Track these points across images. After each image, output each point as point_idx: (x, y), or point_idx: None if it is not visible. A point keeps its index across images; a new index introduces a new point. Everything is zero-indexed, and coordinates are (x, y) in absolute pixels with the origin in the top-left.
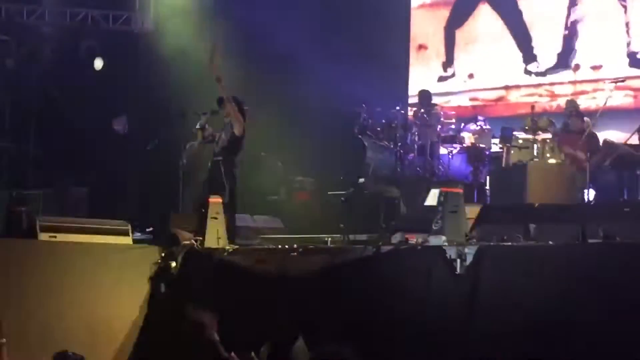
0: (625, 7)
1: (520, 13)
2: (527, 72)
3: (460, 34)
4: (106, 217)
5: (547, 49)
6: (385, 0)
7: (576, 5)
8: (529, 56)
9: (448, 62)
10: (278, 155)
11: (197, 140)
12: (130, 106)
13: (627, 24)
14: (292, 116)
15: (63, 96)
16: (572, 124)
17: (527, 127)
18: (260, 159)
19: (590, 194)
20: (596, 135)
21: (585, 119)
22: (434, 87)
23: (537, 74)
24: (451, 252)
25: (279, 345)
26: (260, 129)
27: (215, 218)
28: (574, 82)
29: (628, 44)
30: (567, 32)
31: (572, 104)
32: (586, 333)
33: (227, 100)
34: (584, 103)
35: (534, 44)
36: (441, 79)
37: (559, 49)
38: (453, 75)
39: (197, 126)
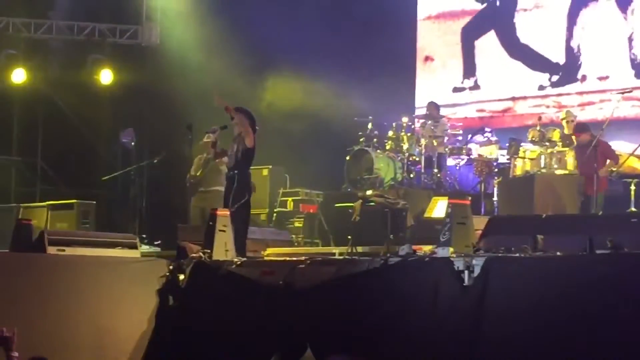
0: (625, 18)
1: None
2: (541, 88)
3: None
4: (114, 230)
5: (552, 61)
6: (392, 12)
7: (577, 17)
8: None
9: (468, 73)
10: (284, 167)
11: (208, 155)
12: (137, 119)
13: (629, 36)
14: (298, 128)
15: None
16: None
17: (534, 139)
18: (267, 171)
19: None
20: (605, 143)
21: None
22: (441, 98)
23: (541, 87)
24: (459, 264)
25: (287, 357)
26: (267, 141)
27: (223, 231)
28: (580, 93)
29: (632, 56)
30: (569, 44)
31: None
32: (594, 344)
33: (237, 111)
34: (591, 114)
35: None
36: (456, 89)
37: (563, 60)
38: (475, 86)
39: (206, 138)
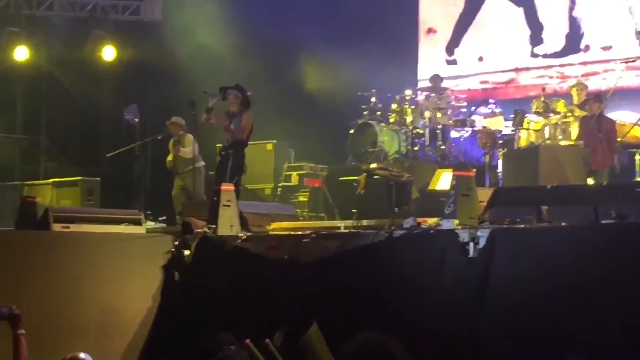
0: None
1: None
2: (534, 55)
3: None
4: (118, 207)
5: (555, 31)
6: None
7: None
8: (537, 39)
9: (453, 45)
10: (289, 141)
11: (175, 137)
12: (140, 95)
13: (630, 8)
14: (302, 102)
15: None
16: (592, 108)
17: (538, 110)
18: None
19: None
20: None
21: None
22: (443, 70)
23: (545, 55)
24: (464, 236)
25: (293, 331)
26: (271, 116)
27: (228, 206)
28: (584, 63)
29: (635, 26)
30: (572, 13)
31: (580, 85)
32: (600, 314)
33: (234, 89)
34: (594, 84)
35: (542, 26)
36: (449, 62)
37: (566, 30)
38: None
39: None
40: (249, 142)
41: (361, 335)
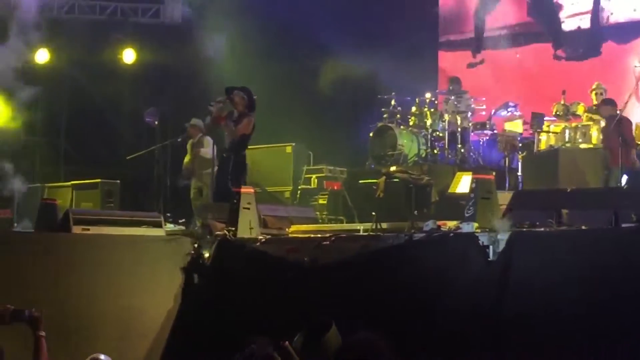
0: None
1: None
2: (557, 58)
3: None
4: (138, 209)
5: (575, 33)
6: None
7: None
8: (558, 42)
9: (477, 49)
10: (308, 144)
11: (193, 140)
12: (160, 98)
13: None
14: (321, 105)
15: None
16: (603, 111)
17: (558, 113)
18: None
19: (622, 179)
20: (627, 120)
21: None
22: (463, 73)
23: (567, 58)
24: (484, 239)
25: (312, 333)
26: (290, 119)
27: (248, 208)
28: (603, 66)
29: None
30: (593, 15)
31: (599, 89)
32: (620, 317)
33: (240, 91)
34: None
35: (563, 28)
36: (470, 65)
37: (587, 33)
38: (482, 62)
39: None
40: (269, 145)
41: (352, 337)
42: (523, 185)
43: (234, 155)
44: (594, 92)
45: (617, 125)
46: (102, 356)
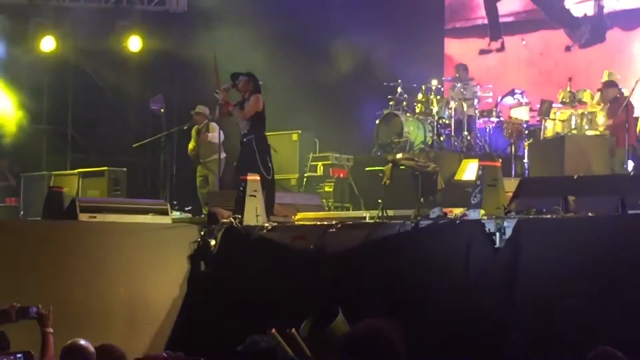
0: None
1: None
2: (567, 49)
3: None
4: (145, 197)
5: (581, 20)
6: None
7: None
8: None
9: (494, 36)
10: (314, 132)
11: (200, 126)
12: (166, 86)
13: None
14: (327, 92)
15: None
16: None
17: (564, 100)
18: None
19: (629, 165)
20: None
21: (623, 89)
22: (470, 60)
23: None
24: (490, 226)
25: (319, 321)
26: (296, 106)
27: (254, 196)
28: (609, 53)
29: None
30: (598, 2)
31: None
32: (627, 304)
33: (244, 76)
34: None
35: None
36: (483, 52)
37: (592, 21)
38: (502, 48)
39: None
40: (275, 133)
41: (362, 322)
42: (529, 172)
43: (255, 135)
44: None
45: (625, 110)
46: (82, 341)
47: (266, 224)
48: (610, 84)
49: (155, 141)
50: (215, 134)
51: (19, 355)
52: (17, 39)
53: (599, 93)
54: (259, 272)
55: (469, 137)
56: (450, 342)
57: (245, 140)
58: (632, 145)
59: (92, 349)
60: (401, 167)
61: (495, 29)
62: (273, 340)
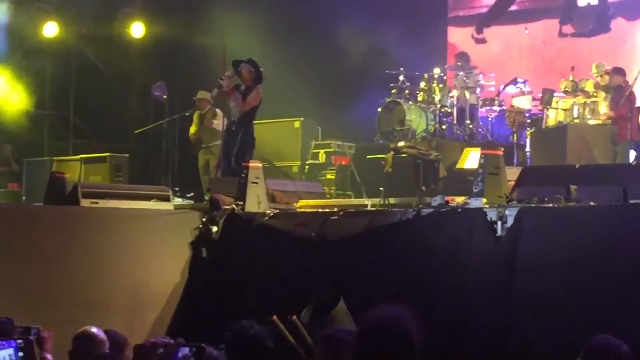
0: None
1: None
2: (563, 35)
3: None
4: (147, 183)
5: (585, 9)
6: None
7: None
8: (565, 17)
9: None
10: (316, 119)
11: (202, 111)
12: (169, 72)
13: None
14: (330, 80)
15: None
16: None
17: (567, 89)
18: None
19: (631, 155)
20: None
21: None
22: (473, 48)
23: (576, 35)
24: (492, 214)
25: (320, 308)
26: (298, 94)
27: (256, 182)
28: (613, 42)
29: None
30: None
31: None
32: (629, 293)
33: (247, 63)
34: None
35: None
36: (478, 41)
37: (596, 9)
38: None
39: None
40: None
41: (381, 308)
42: (531, 161)
43: (243, 128)
44: (597, 76)
45: (628, 98)
46: (93, 329)
47: (268, 211)
48: (618, 71)
49: (157, 127)
50: (220, 122)
51: (19, 340)
52: (20, 24)
53: (600, 77)
54: (261, 259)
55: (471, 126)
56: (449, 330)
57: (233, 129)
58: (634, 135)
59: (103, 336)
60: (403, 155)
61: (484, 20)
62: (263, 328)
